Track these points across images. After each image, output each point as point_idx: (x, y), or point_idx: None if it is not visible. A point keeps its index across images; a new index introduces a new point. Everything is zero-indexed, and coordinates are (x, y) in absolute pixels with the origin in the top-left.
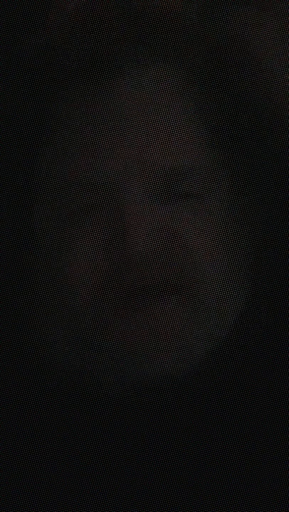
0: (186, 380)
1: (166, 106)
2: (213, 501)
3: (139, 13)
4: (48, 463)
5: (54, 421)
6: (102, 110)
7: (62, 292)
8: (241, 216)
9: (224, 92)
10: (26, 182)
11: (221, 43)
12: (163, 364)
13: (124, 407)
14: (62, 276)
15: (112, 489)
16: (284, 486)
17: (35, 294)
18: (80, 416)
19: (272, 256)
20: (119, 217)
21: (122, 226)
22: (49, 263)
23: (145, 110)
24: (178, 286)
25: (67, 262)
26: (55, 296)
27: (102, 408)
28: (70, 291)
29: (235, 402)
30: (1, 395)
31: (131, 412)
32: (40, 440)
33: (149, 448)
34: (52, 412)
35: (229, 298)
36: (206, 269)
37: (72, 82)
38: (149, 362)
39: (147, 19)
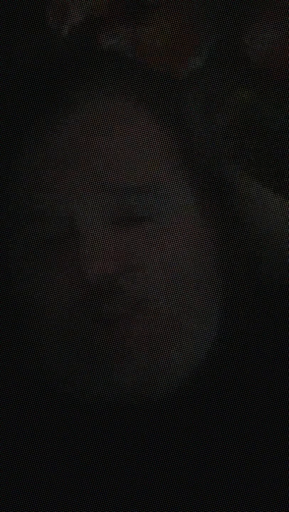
0: (171, 396)
1: (116, 128)
2: None
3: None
4: (40, 470)
5: (46, 430)
6: (51, 139)
7: (40, 316)
8: (208, 235)
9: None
10: None
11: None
12: (139, 382)
13: (114, 417)
14: (36, 304)
15: (107, 501)
16: (283, 498)
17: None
18: (71, 425)
19: (243, 278)
20: (77, 246)
21: (79, 255)
22: (24, 290)
23: (94, 134)
24: (142, 308)
25: (40, 291)
26: (35, 316)
27: (92, 417)
28: (47, 315)
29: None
30: None
31: (120, 421)
32: (33, 447)
33: (138, 459)
34: (44, 422)
35: (204, 314)
36: (168, 291)
37: (28, 113)
38: (125, 380)
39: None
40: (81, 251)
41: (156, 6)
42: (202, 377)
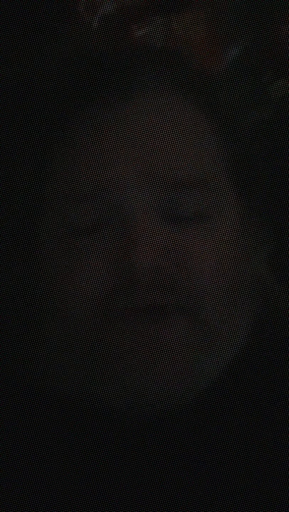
0: (190, 405)
1: (172, 120)
2: None
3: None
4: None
5: (51, 439)
6: (106, 126)
7: (64, 306)
8: (252, 237)
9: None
10: (32, 196)
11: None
12: (168, 383)
13: (124, 427)
14: (64, 292)
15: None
16: None
17: (36, 305)
18: (76, 435)
19: (281, 279)
20: (126, 234)
21: (129, 244)
22: (52, 278)
23: (151, 124)
24: (185, 307)
25: (71, 278)
26: (57, 309)
27: (102, 428)
28: (71, 306)
29: (242, 430)
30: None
31: (131, 433)
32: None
33: (145, 475)
34: (49, 430)
35: (237, 321)
36: (213, 292)
37: (81, 102)
38: (153, 380)
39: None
40: (132, 241)
41: None
42: (222, 387)
